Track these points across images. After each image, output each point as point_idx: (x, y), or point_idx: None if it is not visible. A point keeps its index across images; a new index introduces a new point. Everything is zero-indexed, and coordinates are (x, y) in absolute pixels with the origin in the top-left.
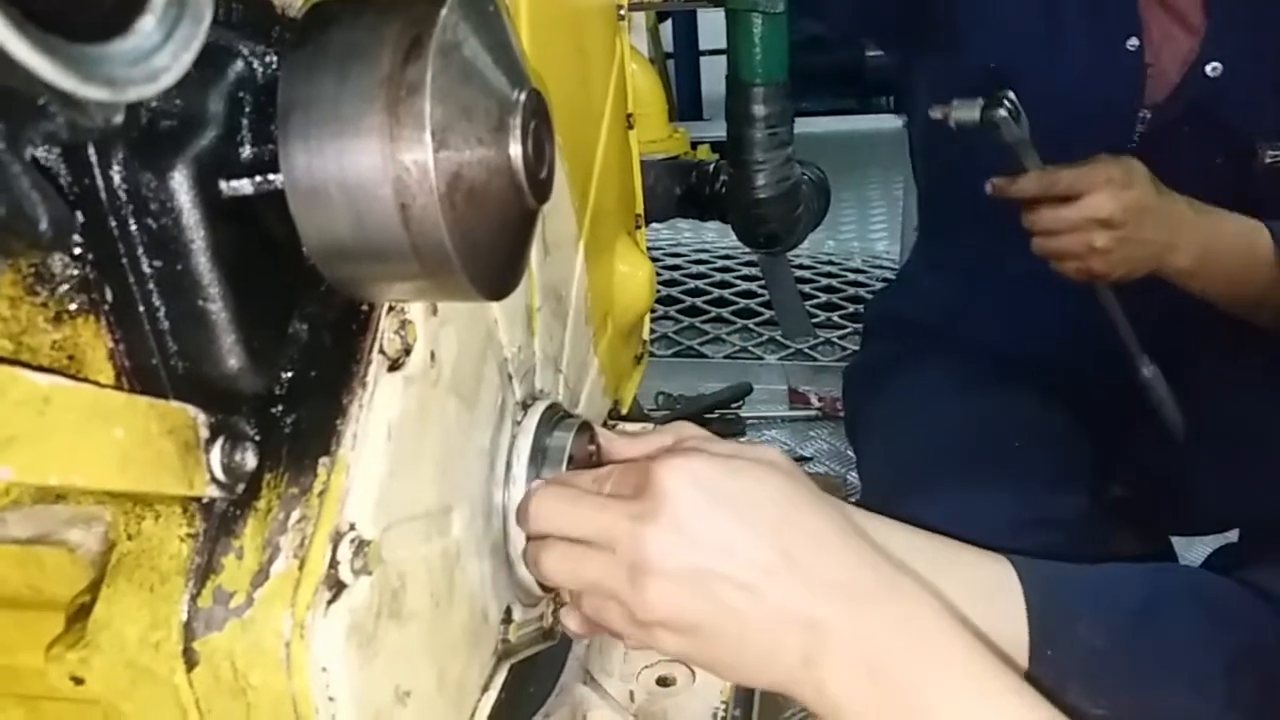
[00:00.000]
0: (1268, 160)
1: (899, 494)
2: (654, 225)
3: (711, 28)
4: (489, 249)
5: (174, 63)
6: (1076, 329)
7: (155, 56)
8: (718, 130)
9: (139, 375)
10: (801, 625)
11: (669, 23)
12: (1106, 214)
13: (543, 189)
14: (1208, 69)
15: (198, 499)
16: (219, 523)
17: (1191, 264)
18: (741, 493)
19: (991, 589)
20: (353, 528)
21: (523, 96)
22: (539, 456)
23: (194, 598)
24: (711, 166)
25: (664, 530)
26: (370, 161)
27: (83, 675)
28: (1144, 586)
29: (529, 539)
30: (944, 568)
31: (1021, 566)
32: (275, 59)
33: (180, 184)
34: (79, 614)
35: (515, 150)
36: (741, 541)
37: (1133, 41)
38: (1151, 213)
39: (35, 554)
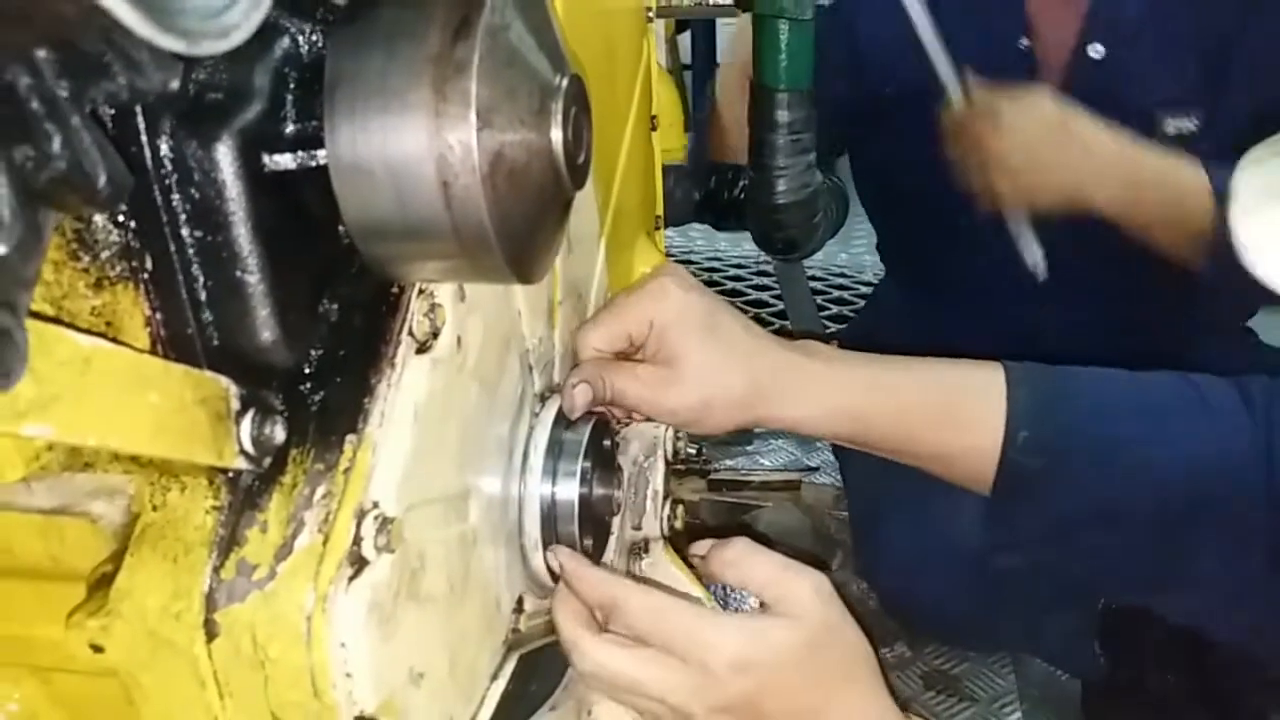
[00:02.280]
0: (1170, 131)
1: (885, 511)
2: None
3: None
4: (526, 231)
5: (244, 20)
6: (1039, 329)
7: (227, 13)
8: None
9: (174, 344)
10: None
11: (687, 34)
12: (1019, 126)
13: (580, 174)
14: (1090, 51)
15: (224, 472)
16: (244, 496)
17: (1114, 196)
18: (780, 674)
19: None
20: (376, 505)
21: (565, 82)
22: (556, 449)
23: (217, 569)
24: (731, 172)
25: (713, 713)
26: (415, 138)
27: (103, 643)
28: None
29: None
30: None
31: (1012, 386)
32: (320, 37)
33: (224, 155)
34: (101, 583)
35: (556, 134)
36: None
37: (1023, 42)
38: (1067, 133)
39: (57, 524)
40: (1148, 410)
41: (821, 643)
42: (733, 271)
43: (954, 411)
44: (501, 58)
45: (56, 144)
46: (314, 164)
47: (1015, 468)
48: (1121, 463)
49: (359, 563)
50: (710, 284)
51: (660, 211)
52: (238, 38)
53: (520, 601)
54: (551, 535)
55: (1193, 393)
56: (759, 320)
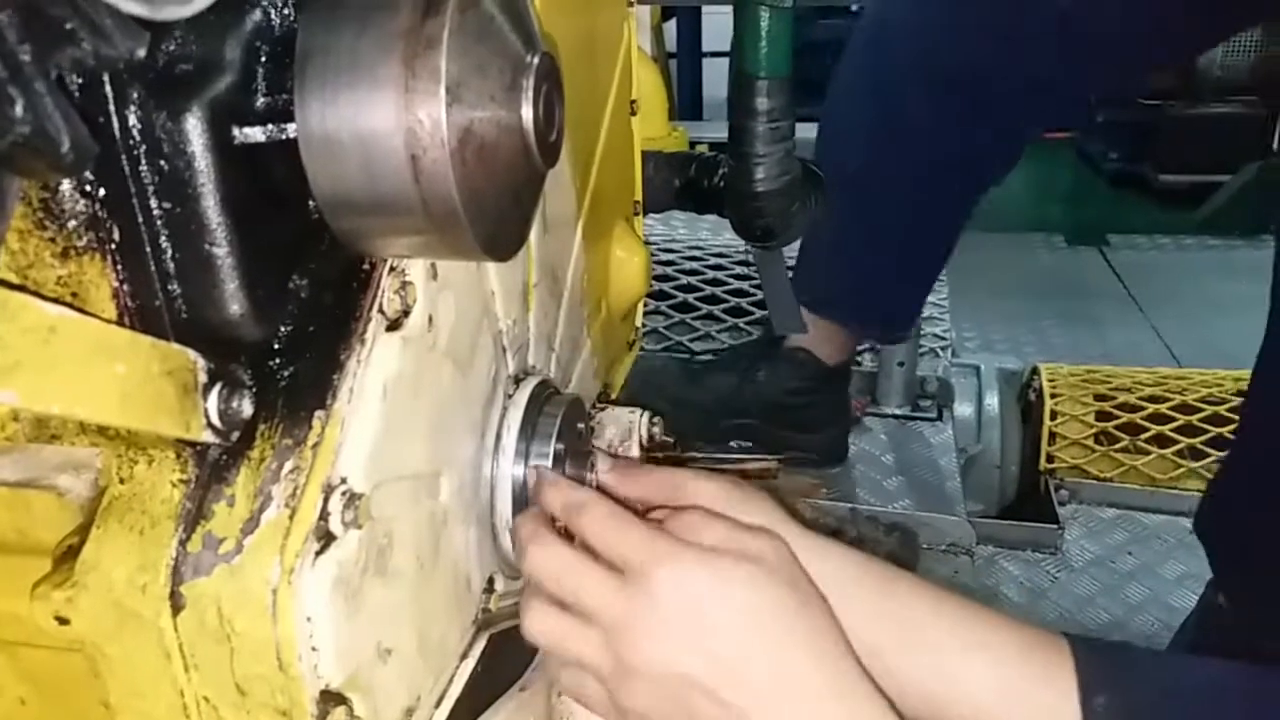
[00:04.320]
0: None
1: None
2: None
3: (715, 29)
4: (495, 207)
5: None
6: None
7: None
8: (717, 131)
9: (141, 316)
10: None
11: (673, 22)
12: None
13: (551, 152)
14: None
15: (191, 445)
16: (211, 470)
17: None
18: (734, 610)
19: (1036, 674)
20: (344, 481)
21: (536, 59)
22: (529, 431)
23: (183, 542)
24: (711, 160)
25: (651, 638)
26: (384, 113)
27: (68, 615)
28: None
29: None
30: (975, 642)
31: (1081, 648)
32: (292, 11)
33: (194, 127)
34: (67, 555)
35: (527, 111)
36: (728, 659)
37: None
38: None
39: (24, 497)
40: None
41: (787, 602)
42: (714, 261)
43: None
44: (472, 34)
45: (19, 108)
46: (284, 137)
47: None
48: None
49: (326, 538)
50: (691, 273)
51: (639, 197)
52: (199, 3)
53: (491, 581)
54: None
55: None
56: (738, 311)
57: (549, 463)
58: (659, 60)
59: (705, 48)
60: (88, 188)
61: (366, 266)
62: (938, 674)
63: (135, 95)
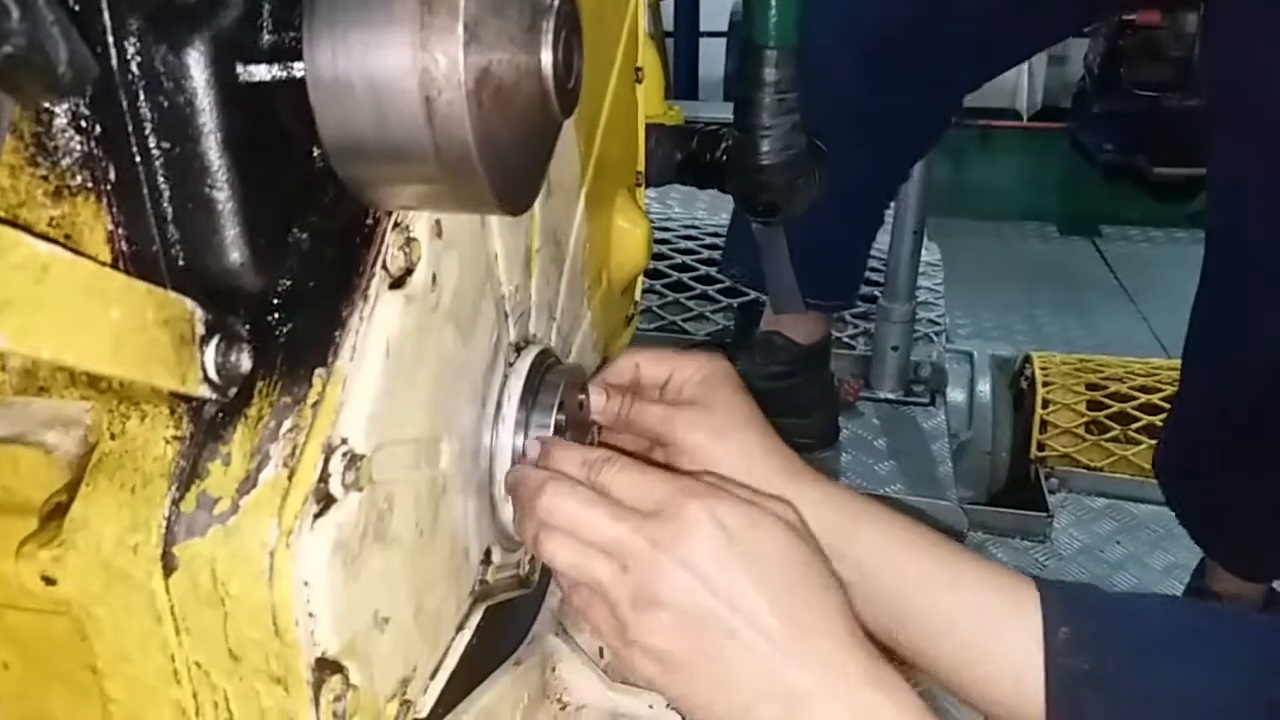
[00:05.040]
0: None
1: None
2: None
3: (712, 9)
4: (511, 155)
5: None
6: None
7: None
8: (711, 111)
9: (137, 261)
10: (785, 692)
11: (670, 1)
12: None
13: (570, 100)
14: None
15: (186, 400)
16: (207, 427)
17: None
18: (761, 546)
19: (1008, 610)
20: (345, 442)
21: (557, 2)
22: (529, 400)
23: (176, 502)
24: (714, 133)
25: (680, 565)
26: (398, 52)
27: (55, 575)
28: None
29: (525, 513)
30: (955, 581)
31: (1045, 586)
32: None
33: (196, 63)
34: (54, 513)
35: (546, 55)
36: (751, 596)
37: None
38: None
39: (10, 454)
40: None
41: (808, 553)
42: (709, 240)
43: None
44: None
45: (14, 19)
46: (291, 76)
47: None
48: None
49: (326, 499)
50: (687, 252)
51: (642, 167)
52: None
53: (489, 553)
54: None
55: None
56: (733, 291)
57: (550, 434)
58: (656, 38)
59: (702, 27)
60: (83, 123)
61: (370, 221)
62: (918, 608)
63: (135, 25)
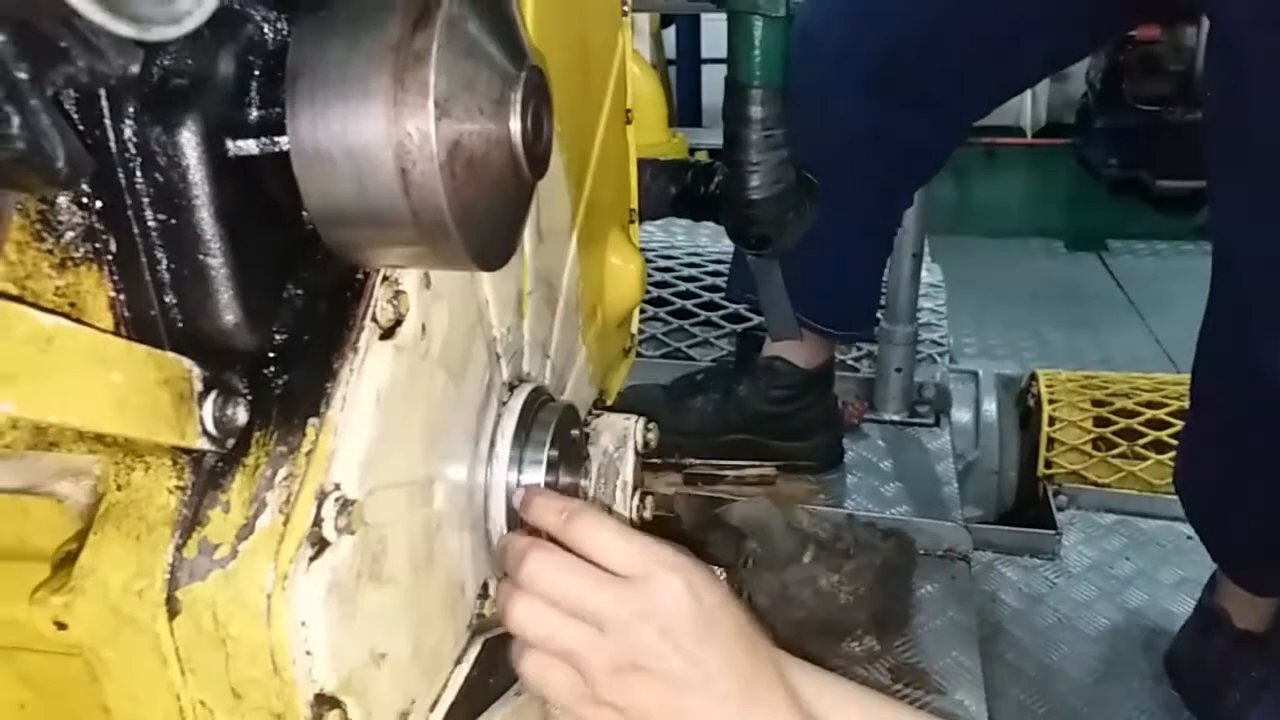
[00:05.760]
0: None
1: None
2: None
3: (714, 36)
4: (485, 219)
5: (197, 8)
6: None
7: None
8: (716, 138)
9: (137, 326)
10: None
11: (672, 29)
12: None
13: (540, 164)
14: None
15: (187, 452)
16: (207, 477)
17: None
18: (719, 611)
19: None
20: (338, 487)
21: (524, 73)
22: (523, 436)
23: (179, 548)
24: (708, 167)
25: (659, 632)
26: (374, 126)
27: (66, 620)
28: None
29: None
30: None
31: None
32: (285, 25)
33: (188, 140)
34: (65, 561)
35: (515, 124)
36: (715, 660)
37: None
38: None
39: (23, 504)
40: None
41: (753, 629)
42: (713, 267)
43: None
44: (461, 48)
45: (15, 125)
46: (276, 149)
47: None
48: None
49: (320, 543)
50: (690, 279)
51: (635, 205)
52: (190, 24)
53: (485, 587)
54: (517, 522)
55: None
56: (737, 317)
57: (543, 469)
58: (658, 67)
59: (704, 54)
60: (85, 200)
61: (360, 276)
62: None
63: (130, 109)
